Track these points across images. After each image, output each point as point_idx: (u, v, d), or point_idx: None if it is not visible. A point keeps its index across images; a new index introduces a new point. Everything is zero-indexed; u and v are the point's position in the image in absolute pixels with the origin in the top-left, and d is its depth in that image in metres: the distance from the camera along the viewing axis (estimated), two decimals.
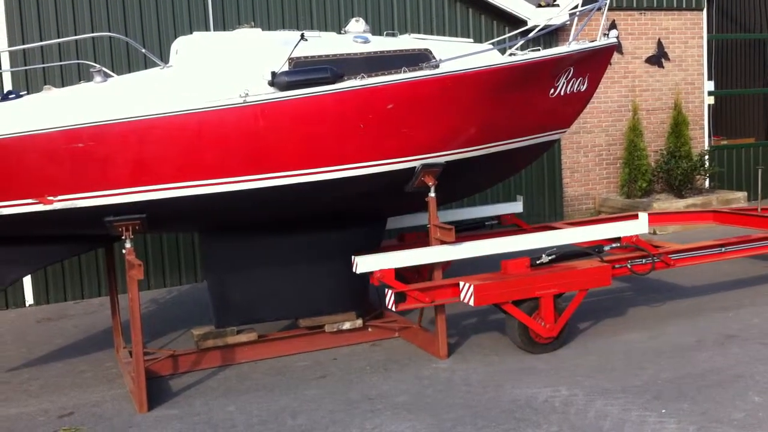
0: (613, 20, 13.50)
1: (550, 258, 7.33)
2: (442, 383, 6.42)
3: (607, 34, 8.06)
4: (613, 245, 7.71)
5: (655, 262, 7.56)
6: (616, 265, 7.41)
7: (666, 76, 14.18)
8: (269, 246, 7.15)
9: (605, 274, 7.18)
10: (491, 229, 9.09)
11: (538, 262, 7.28)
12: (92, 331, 8.65)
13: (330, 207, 7.02)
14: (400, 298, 6.66)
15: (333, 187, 6.68)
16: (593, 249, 7.66)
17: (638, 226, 7.65)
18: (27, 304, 10.07)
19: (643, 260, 7.54)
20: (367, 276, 6.94)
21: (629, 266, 7.47)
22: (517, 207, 9.29)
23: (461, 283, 6.79)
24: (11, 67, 9.86)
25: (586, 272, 7.12)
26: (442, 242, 6.95)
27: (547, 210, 13.10)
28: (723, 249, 7.97)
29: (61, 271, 10.13)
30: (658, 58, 14.05)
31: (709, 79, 14.73)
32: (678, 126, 13.95)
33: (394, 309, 6.66)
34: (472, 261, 7.42)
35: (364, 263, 6.71)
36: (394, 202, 7.44)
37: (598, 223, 8.71)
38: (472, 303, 6.67)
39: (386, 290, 6.68)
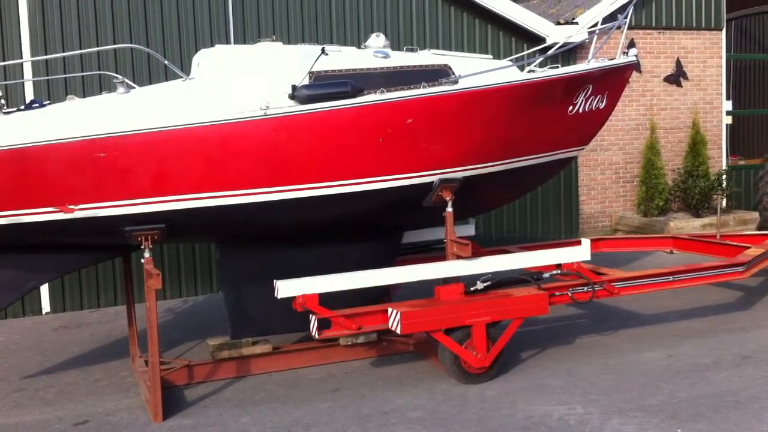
0: (632, 39, 13.51)
1: (485, 285, 7.05)
2: (456, 399, 6.41)
3: (626, 53, 8.06)
4: (555, 272, 7.44)
5: (596, 291, 7.30)
6: (557, 293, 7.16)
7: (684, 95, 14.16)
8: (285, 258, 7.17)
9: (542, 302, 6.92)
10: (439, 252, 8.44)
11: (472, 288, 7.00)
12: (108, 340, 8.69)
13: (348, 220, 7.04)
14: (324, 324, 6.44)
15: (351, 201, 6.70)
16: (532, 276, 7.40)
17: (580, 253, 7.32)
18: (43, 312, 10.13)
19: (585, 288, 7.30)
20: (383, 289, 6.92)
21: (570, 294, 7.23)
22: (469, 230, 8.90)
23: (389, 310, 6.60)
24: (33, 77, 9.98)
25: (522, 300, 6.86)
26: (458, 257, 6.94)
27: (563, 227, 13.06)
28: (671, 278, 7.73)
29: (77, 280, 10.20)
30: (676, 77, 14.04)
31: (728, 98, 14.70)
32: (696, 145, 13.93)
33: (317, 336, 6.44)
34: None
35: (285, 288, 6.44)
36: (412, 216, 7.45)
37: (549, 248, 8.17)
38: (399, 330, 6.48)
39: (310, 316, 6.46)
